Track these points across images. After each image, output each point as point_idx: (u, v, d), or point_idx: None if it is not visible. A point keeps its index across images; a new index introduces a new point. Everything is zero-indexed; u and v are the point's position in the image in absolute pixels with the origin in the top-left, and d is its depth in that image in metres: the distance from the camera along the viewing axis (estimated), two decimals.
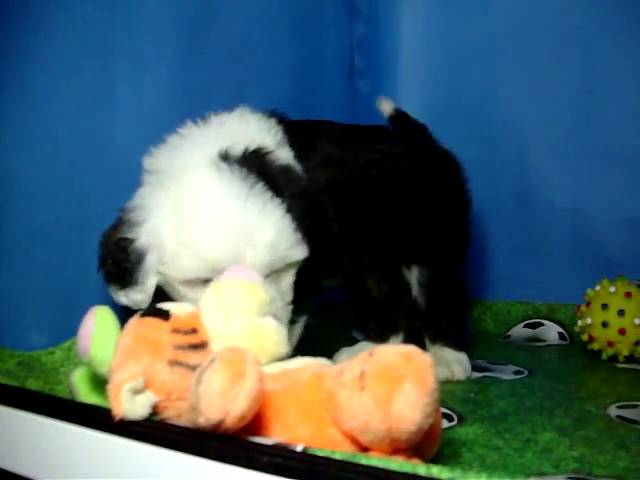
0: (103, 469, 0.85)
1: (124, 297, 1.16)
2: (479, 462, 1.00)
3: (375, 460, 0.72)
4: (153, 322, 0.92)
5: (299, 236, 1.12)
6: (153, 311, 0.95)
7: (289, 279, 1.15)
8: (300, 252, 1.13)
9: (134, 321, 0.94)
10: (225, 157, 1.15)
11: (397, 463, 0.71)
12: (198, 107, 1.31)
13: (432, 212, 1.49)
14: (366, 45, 2.05)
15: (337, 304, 1.79)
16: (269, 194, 1.11)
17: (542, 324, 1.84)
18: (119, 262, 1.15)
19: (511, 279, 1.90)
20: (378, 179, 1.42)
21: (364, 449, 0.81)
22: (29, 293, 1.26)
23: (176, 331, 0.92)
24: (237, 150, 1.16)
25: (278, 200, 1.12)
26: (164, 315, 0.93)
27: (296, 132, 1.32)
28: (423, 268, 1.51)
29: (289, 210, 1.13)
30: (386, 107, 1.68)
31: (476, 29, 1.91)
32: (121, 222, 1.16)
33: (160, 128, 1.28)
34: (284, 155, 1.23)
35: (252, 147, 1.17)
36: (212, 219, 1.10)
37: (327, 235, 1.21)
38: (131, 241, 1.14)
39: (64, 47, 1.30)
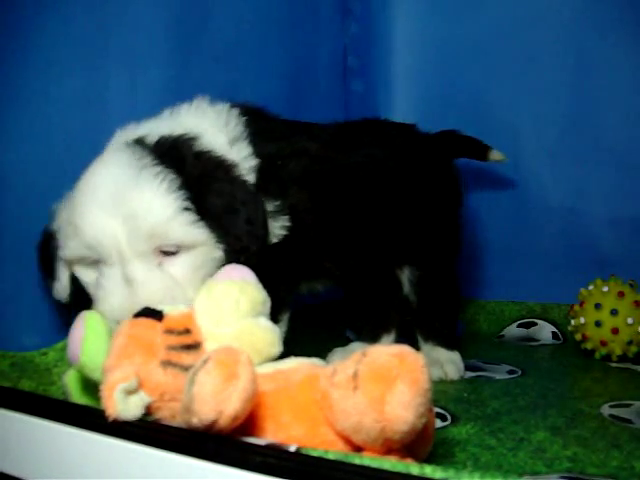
0: (97, 470, 0.85)
1: (55, 293, 1.18)
2: (472, 462, 1.00)
3: (368, 460, 0.72)
4: (146, 322, 0.92)
5: (194, 218, 1.08)
6: (146, 311, 0.94)
7: (188, 262, 1.10)
8: (192, 234, 1.08)
9: (127, 321, 0.94)
10: (139, 141, 1.14)
11: (390, 463, 0.71)
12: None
13: (423, 213, 1.49)
14: (359, 45, 2.05)
15: (330, 304, 1.79)
16: (166, 176, 1.08)
17: (535, 324, 1.85)
18: (41, 259, 1.19)
19: (505, 279, 1.91)
20: (366, 182, 1.41)
21: (357, 449, 0.82)
22: (22, 294, 1.26)
23: (169, 331, 0.92)
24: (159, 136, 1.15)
25: (177, 182, 1.08)
26: (157, 315, 0.93)
27: (270, 127, 1.31)
28: (414, 268, 1.51)
29: (190, 192, 1.08)
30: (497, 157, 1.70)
31: (469, 29, 1.92)
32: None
33: None
34: (220, 141, 1.19)
35: (175, 134, 1.16)
36: (91, 195, 1.08)
37: (256, 222, 1.14)
38: (49, 235, 1.16)
39: (56, 47, 1.30)
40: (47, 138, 1.28)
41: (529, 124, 1.87)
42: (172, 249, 1.08)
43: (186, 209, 1.08)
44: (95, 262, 1.10)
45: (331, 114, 1.60)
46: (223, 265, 1.10)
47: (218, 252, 1.12)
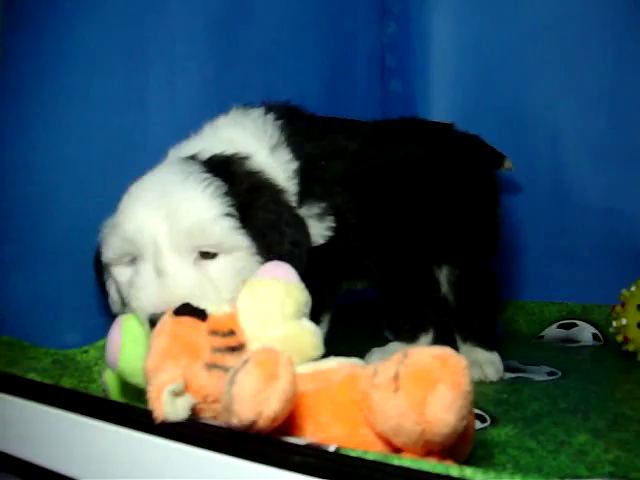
0: (135, 467, 0.86)
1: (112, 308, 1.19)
2: (512, 464, 0.99)
3: (408, 461, 0.72)
4: (190, 322, 0.92)
5: (236, 224, 1.08)
6: (189, 310, 0.94)
7: (226, 266, 1.09)
8: (233, 238, 1.08)
9: (170, 320, 0.93)
10: (191, 157, 1.16)
11: (430, 464, 0.71)
12: (230, 107, 1.31)
13: (460, 211, 1.48)
14: (397, 44, 2.05)
15: (367, 303, 1.79)
16: (213, 182, 1.09)
17: (576, 325, 1.82)
18: (97, 276, 1.21)
19: (544, 279, 1.89)
20: (405, 181, 1.40)
21: (397, 450, 0.81)
22: (64, 293, 1.28)
23: (214, 333, 0.91)
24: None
25: (223, 189, 1.09)
26: (201, 315, 0.93)
27: (307, 126, 1.32)
28: (452, 267, 1.49)
29: (235, 200, 1.09)
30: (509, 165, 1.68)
31: (507, 27, 1.90)
32: None
33: (192, 128, 1.29)
34: (263, 158, 1.21)
35: (225, 153, 1.17)
36: (137, 196, 1.10)
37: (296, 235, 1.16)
38: (99, 254, 1.16)
39: (97, 49, 1.32)
40: (88, 138, 1.30)
41: (569, 123, 1.84)
42: (211, 250, 1.08)
43: (229, 215, 1.08)
44: (132, 261, 1.10)
45: (369, 114, 1.60)
46: None
47: (258, 265, 1.10)
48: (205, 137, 1.26)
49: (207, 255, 1.08)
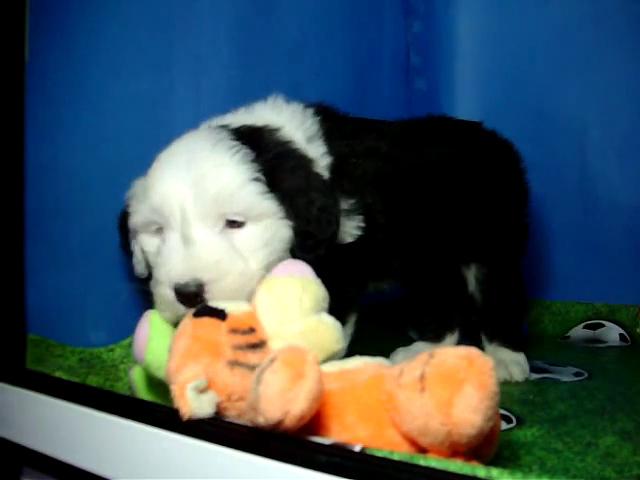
0: (160, 465, 0.86)
1: (135, 270, 1.19)
2: (538, 465, 0.98)
3: (434, 462, 0.72)
4: (210, 322, 0.92)
5: (264, 189, 1.08)
6: (209, 311, 0.94)
7: (254, 234, 1.08)
8: (260, 204, 1.07)
9: (190, 321, 0.94)
10: (221, 127, 1.16)
11: (456, 465, 0.70)
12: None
13: (489, 211, 1.47)
14: (422, 43, 2.04)
15: (392, 303, 1.79)
16: (241, 149, 1.09)
17: (602, 325, 1.81)
18: (121, 236, 1.22)
19: (571, 279, 1.87)
20: (435, 181, 1.40)
21: (423, 450, 0.81)
22: (91, 292, 1.29)
23: (234, 331, 0.92)
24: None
25: (251, 156, 1.09)
26: (220, 315, 0.93)
27: (341, 125, 1.31)
28: (481, 265, 1.49)
29: (263, 166, 1.09)
30: None
31: (532, 27, 1.89)
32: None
33: None
34: (299, 137, 1.21)
35: (258, 125, 1.17)
36: (165, 162, 1.10)
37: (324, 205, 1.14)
38: (126, 212, 1.17)
39: (124, 50, 1.33)
40: (115, 139, 1.30)
41: (596, 122, 1.83)
42: (239, 218, 1.07)
43: (256, 179, 1.08)
44: (159, 229, 1.10)
45: (394, 113, 1.59)
46: (291, 249, 1.11)
47: (286, 230, 1.11)
48: (240, 115, 1.25)
49: (234, 224, 1.07)
